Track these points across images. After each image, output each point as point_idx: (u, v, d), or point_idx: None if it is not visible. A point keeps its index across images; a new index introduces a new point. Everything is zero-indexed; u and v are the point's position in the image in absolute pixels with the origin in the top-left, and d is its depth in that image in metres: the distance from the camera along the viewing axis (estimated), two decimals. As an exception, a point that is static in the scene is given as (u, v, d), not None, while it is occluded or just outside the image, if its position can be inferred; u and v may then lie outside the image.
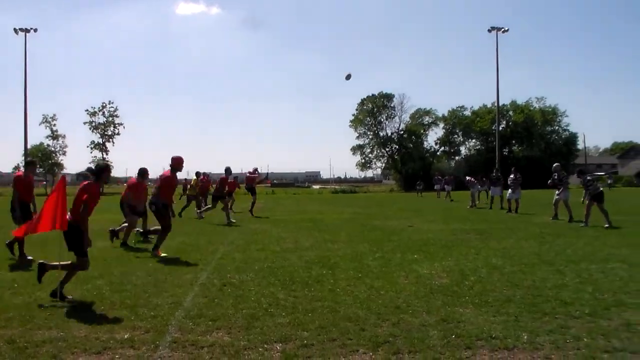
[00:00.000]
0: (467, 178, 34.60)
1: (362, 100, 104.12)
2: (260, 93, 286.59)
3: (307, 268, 10.67)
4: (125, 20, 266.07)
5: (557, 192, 21.81)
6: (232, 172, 23.96)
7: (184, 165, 13.40)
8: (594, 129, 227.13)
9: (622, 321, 6.77)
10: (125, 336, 6.24)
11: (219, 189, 22.84)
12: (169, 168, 13.39)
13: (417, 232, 17.26)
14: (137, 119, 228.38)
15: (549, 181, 22.22)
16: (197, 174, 27.58)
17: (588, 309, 7.35)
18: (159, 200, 13.23)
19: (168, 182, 13.32)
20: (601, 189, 19.74)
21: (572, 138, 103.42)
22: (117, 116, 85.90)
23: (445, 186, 43.20)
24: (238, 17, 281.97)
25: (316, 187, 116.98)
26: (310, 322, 6.74)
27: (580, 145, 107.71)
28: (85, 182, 8.75)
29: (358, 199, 50.61)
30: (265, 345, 5.93)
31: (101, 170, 9.02)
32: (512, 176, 26.69)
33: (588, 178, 19.63)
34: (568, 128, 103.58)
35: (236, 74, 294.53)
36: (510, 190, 26.66)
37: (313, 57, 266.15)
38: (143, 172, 15.65)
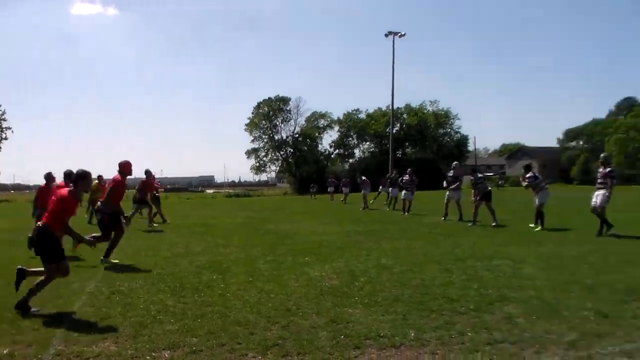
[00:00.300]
0: (363, 178, 34.80)
1: (258, 103, 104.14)
2: (154, 96, 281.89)
3: (197, 273, 10.55)
4: (17, 18, 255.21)
5: (448, 191, 22.27)
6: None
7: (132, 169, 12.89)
8: (484, 131, 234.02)
9: (504, 315, 7.04)
10: (5, 351, 5.99)
11: (142, 194, 22.06)
12: (118, 173, 12.71)
13: (310, 235, 17.33)
14: (26, 123, 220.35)
15: (444, 183, 22.61)
16: (99, 177, 26.59)
17: (473, 304, 7.59)
18: (108, 207, 12.45)
19: (121, 186, 12.64)
20: (490, 188, 20.33)
21: (463, 140, 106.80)
22: (4, 120, 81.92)
23: (342, 188, 43.30)
24: (135, 19, 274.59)
25: (210, 191, 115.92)
26: (200, 327, 6.67)
27: (471, 147, 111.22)
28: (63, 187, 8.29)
29: (252, 203, 50.39)
30: (153, 354, 5.83)
31: (77, 177, 8.39)
32: (407, 177, 27.18)
33: (479, 176, 20.17)
34: (460, 130, 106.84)
35: (131, 75, 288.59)
36: (405, 191, 27.14)
37: (206, 60, 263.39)
38: (49, 177, 14.74)
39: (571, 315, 6.98)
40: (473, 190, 20.06)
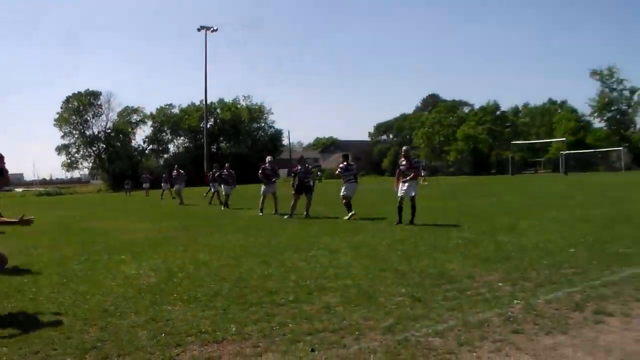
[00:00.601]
0: (181, 171, 34.30)
1: (67, 97, 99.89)
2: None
3: (6, 278, 9.91)
4: None
5: (264, 185, 22.43)
6: None
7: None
8: (298, 125, 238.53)
9: (323, 304, 7.17)
10: None
11: None
12: None
13: (126, 232, 16.92)
14: None
15: (261, 175, 22.62)
16: None
17: (292, 295, 7.69)
18: None
19: None
20: (311, 182, 20.68)
21: (278, 134, 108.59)
22: None
23: (162, 184, 42.48)
24: None
25: (19, 190, 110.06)
26: (10, 336, 6.26)
27: (285, 141, 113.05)
28: None
29: (64, 201, 48.56)
30: (-43, 369, 5.45)
31: None
32: (225, 172, 27.29)
33: (310, 167, 20.51)
34: (274, 125, 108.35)
35: None
36: (225, 185, 27.24)
37: (10, 49, 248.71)
38: None
39: (387, 301, 7.24)
40: (293, 181, 20.24)
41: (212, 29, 71.26)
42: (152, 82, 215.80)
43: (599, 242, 11.51)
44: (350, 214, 18.25)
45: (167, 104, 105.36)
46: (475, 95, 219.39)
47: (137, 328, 6.39)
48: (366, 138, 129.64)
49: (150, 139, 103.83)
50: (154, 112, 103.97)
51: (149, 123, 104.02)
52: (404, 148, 17.07)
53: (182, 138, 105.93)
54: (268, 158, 23.36)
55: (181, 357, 5.50)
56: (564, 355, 5.22)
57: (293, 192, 20.07)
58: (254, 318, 6.64)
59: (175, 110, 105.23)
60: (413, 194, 16.14)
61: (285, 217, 19.55)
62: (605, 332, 5.83)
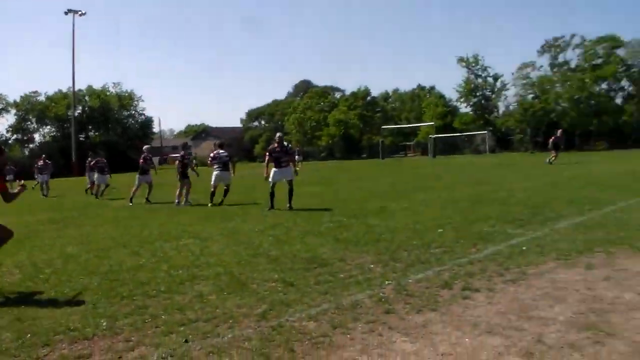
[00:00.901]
0: (48, 162, 33.12)
1: None
2: None
3: None
4: None
5: (139, 175, 22.17)
6: None
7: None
8: (169, 112, 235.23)
9: (195, 294, 7.14)
10: None
11: None
12: None
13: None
14: None
15: (144, 164, 22.34)
16: None
17: (164, 286, 7.60)
18: None
19: None
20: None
21: (148, 122, 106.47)
22: None
23: (36, 175, 40.53)
24: None
25: None
26: None
27: (156, 129, 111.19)
28: None
29: None
30: None
31: None
32: (103, 161, 26.87)
33: (189, 154, 20.39)
34: (144, 112, 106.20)
35: None
36: (100, 174, 26.86)
37: None
38: None
39: (259, 288, 7.29)
40: (179, 170, 19.92)
41: (80, 12, 69.14)
42: (15, 68, 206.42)
43: (466, 222, 11.98)
44: (210, 203, 18.42)
45: (32, 92, 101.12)
46: (347, 81, 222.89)
47: (1, 330, 6.10)
48: (238, 124, 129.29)
49: (15, 129, 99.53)
50: (18, 100, 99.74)
51: (13, 111, 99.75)
52: (278, 135, 17.14)
53: (48, 127, 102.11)
54: (145, 147, 23.20)
55: (49, 357, 5.30)
56: (434, 331, 5.40)
57: (179, 177, 19.78)
58: (125, 311, 6.50)
59: (42, 98, 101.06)
60: (290, 178, 16.28)
61: (185, 204, 19.28)
62: (472, 307, 6.09)
